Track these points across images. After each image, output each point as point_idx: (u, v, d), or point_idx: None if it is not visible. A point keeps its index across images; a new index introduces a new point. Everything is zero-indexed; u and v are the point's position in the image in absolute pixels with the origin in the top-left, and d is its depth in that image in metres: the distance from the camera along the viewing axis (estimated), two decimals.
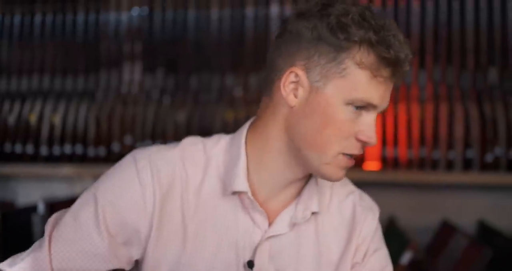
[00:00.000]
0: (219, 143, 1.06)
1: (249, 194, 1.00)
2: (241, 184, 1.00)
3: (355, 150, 0.95)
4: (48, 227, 0.98)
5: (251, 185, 1.02)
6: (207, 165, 1.04)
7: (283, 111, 0.99)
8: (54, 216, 1.01)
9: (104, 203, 0.97)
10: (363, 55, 0.90)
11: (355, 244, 1.07)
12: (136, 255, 1.00)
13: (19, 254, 0.97)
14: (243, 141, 1.04)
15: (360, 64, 0.91)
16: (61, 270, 0.95)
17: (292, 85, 0.96)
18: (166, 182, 1.00)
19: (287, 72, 0.97)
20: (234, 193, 1.01)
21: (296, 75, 0.96)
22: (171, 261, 1.00)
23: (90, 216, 0.96)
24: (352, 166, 0.98)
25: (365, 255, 1.07)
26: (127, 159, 1.03)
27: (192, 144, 1.06)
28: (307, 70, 0.95)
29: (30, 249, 0.97)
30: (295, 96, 0.97)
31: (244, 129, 1.06)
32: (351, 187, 1.14)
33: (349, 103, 0.93)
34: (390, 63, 0.90)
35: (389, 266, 1.09)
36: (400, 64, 0.90)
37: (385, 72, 0.91)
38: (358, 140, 0.94)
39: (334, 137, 0.94)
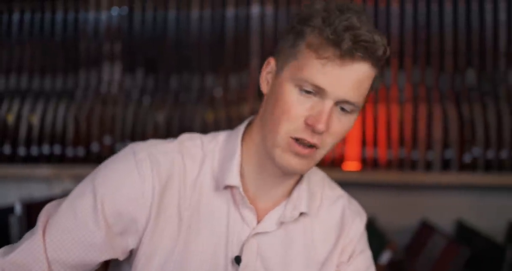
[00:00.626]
0: (215, 139, 1.08)
1: (240, 189, 1.01)
2: (233, 178, 1.02)
3: (304, 134, 0.94)
4: (41, 217, 0.97)
5: (243, 181, 1.04)
6: (203, 160, 1.05)
7: (263, 101, 1.03)
8: (47, 207, 1.00)
9: (102, 193, 0.96)
10: (313, 38, 0.93)
11: (342, 244, 1.09)
12: (132, 245, 1.00)
13: (11, 245, 0.97)
14: (239, 136, 1.06)
15: (308, 46, 0.93)
16: (57, 259, 0.94)
17: (269, 75, 1.01)
18: (165, 174, 1.00)
19: (266, 63, 1.02)
20: (226, 187, 1.03)
21: (270, 64, 1.01)
22: (165, 251, 1.00)
23: (88, 206, 0.96)
24: (306, 154, 0.95)
25: (351, 256, 1.09)
26: (126, 151, 1.03)
27: (190, 139, 1.08)
28: (277, 59, 1.00)
29: (23, 239, 0.96)
30: (268, 84, 1.01)
31: (242, 125, 1.08)
32: (340, 191, 1.16)
33: (297, 84, 0.94)
34: (333, 44, 0.91)
35: (373, 267, 1.12)
36: (340, 43, 0.90)
37: (328, 52, 0.92)
38: (307, 124, 0.94)
39: (282, 118, 0.95)
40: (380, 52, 0.93)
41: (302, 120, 0.94)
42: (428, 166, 2.67)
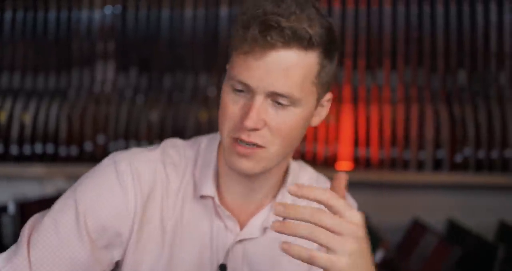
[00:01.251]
0: (196, 145, 1.06)
1: (216, 199, 1.00)
2: (208, 188, 1.00)
3: (240, 133, 0.91)
4: (25, 231, 0.94)
5: (221, 190, 1.02)
6: (185, 169, 1.03)
7: None
8: (32, 219, 0.97)
9: (84, 207, 0.95)
10: (236, 35, 0.91)
11: None
12: (117, 257, 0.99)
13: None
14: (217, 143, 1.04)
15: (234, 44, 0.91)
16: None
17: None
18: (147, 185, 0.98)
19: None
20: (203, 197, 1.01)
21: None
22: (150, 262, 0.99)
23: (70, 221, 0.94)
24: (249, 154, 0.92)
25: None
26: (107, 162, 1.00)
27: (172, 147, 1.05)
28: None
29: (6, 255, 0.93)
30: None
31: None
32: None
33: (230, 84, 0.92)
34: (246, 40, 0.88)
35: None
36: (248, 35, 0.87)
37: (244, 46, 0.88)
38: (241, 123, 0.90)
39: (222, 119, 0.93)
40: (301, 35, 0.86)
41: (238, 119, 0.91)
42: (420, 166, 2.69)
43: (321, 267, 0.75)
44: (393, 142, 2.71)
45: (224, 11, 2.91)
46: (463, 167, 2.66)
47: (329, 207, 0.76)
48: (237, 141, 0.91)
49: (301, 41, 0.87)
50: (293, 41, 0.86)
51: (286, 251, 0.76)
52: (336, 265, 0.74)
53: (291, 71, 0.88)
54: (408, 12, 2.79)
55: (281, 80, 0.88)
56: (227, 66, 0.95)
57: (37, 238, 0.93)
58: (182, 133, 2.76)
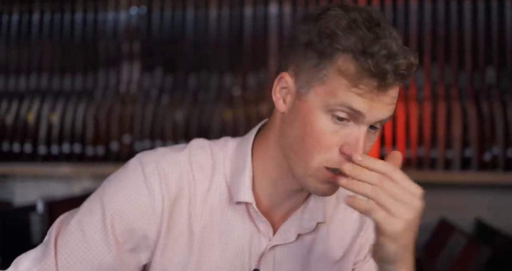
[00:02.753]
0: (225, 148, 1.03)
1: (254, 205, 0.98)
2: (246, 195, 0.98)
3: (341, 164, 0.87)
4: (52, 232, 0.94)
5: (256, 195, 0.99)
6: (214, 171, 1.01)
7: (278, 117, 0.96)
8: (58, 220, 0.97)
9: (111, 211, 0.94)
10: (344, 63, 0.85)
11: (359, 243, 1.05)
12: (144, 260, 0.98)
13: (21, 261, 0.94)
14: (249, 148, 1.01)
15: (340, 72, 0.86)
16: None
17: (284, 90, 0.93)
18: (174, 187, 0.97)
19: (278, 77, 0.94)
20: (239, 203, 0.99)
21: (285, 80, 0.93)
22: (178, 267, 0.98)
23: (97, 225, 0.93)
24: (340, 183, 0.89)
25: (367, 254, 1.04)
26: (133, 164, 0.99)
27: (199, 148, 1.03)
28: (295, 75, 0.91)
29: (35, 255, 0.94)
30: (284, 102, 0.94)
31: (251, 135, 1.02)
32: None
33: (329, 110, 0.88)
34: (371, 75, 0.84)
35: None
36: (383, 77, 0.84)
37: (366, 83, 0.85)
38: (342, 153, 0.87)
39: (314, 148, 0.89)
40: (414, 71, 0.88)
41: (337, 149, 0.88)
42: (448, 165, 2.65)
43: (376, 222, 0.83)
44: (420, 141, 2.67)
45: (248, 11, 2.91)
46: (491, 166, 2.61)
47: (391, 178, 0.83)
48: (334, 170, 0.89)
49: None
50: (409, 78, 0.88)
51: (348, 203, 0.83)
52: (391, 225, 0.82)
53: (395, 100, 0.89)
54: (435, 9, 2.76)
55: (389, 108, 0.88)
56: (299, 83, 0.91)
57: (63, 241, 0.93)
58: (207, 133, 2.77)
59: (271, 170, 0.98)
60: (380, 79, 0.84)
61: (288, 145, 0.94)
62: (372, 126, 0.88)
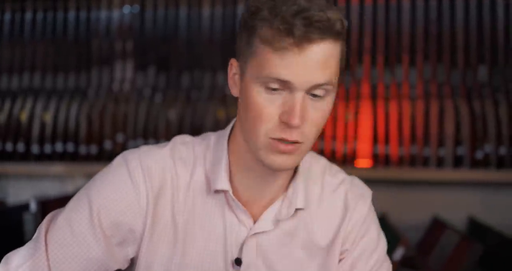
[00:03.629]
0: (205, 140, 1.06)
1: (230, 192, 1.00)
2: (222, 182, 1.00)
3: (282, 133, 0.90)
4: (42, 228, 0.96)
5: (234, 184, 1.02)
6: (195, 164, 1.04)
7: (239, 104, 0.99)
8: (48, 217, 0.99)
9: (98, 205, 0.96)
10: (265, 31, 0.88)
11: (344, 231, 1.06)
12: (132, 254, 1.00)
13: (11, 258, 0.95)
14: (226, 140, 1.04)
15: (262, 41, 0.89)
16: None
17: (236, 77, 0.96)
18: (157, 181, 1.00)
19: (229, 64, 0.98)
20: (217, 191, 1.02)
21: (234, 66, 0.97)
22: (163, 259, 1.00)
23: (84, 219, 0.95)
24: (291, 151, 0.92)
25: (353, 242, 1.06)
26: (118, 160, 1.01)
27: (182, 143, 1.06)
28: (238, 58, 0.95)
29: (26, 251, 0.95)
30: (237, 87, 0.97)
31: (228, 127, 1.05)
32: (342, 176, 1.12)
33: (262, 83, 0.90)
34: (286, 33, 0.86)
35: (379, 249, 1.08)
36: (292, 32, 0.85)
37: (283, 43, 0.86)
38: (282, 122, 0.89)
39: (256, 120, 0.91)
40: (337, 27, 0.88)
41: (277, 118, 0.90)
42: (440, 163, 2.67)
43: None
44: (413, 139, 2.69)
45: (241, 9, 2.91)
46: (484, 163, 2.62)
47: None
48: (280, 140, 0.91)
49: (335, 33, 0.88)
50: (327, 33, 0.87)
51: None
52: None
53: (328, 61, 0.88)
54: (427, 7, 2.76)
55: (321, 71, 0.88)
56: (241, 64, 0.94)
57: (52, 237, 0.95)
58: (200, 132, 2.73)
59: (243, 158, 1.01)
60: (292, 35, 0.85)
61: (243, 125, 0.96)
62: (314, 95, 0.90)
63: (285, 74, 0.87)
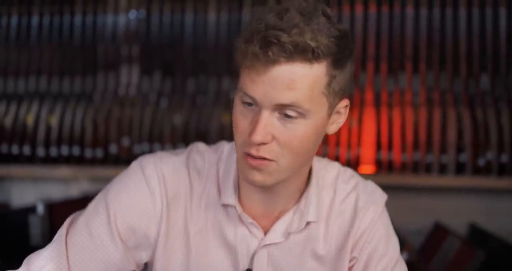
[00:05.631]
0: (219, 151, 1.08)
1: (237, 207, 1.01)
2: (229, 198, 1.01)
3: (249, 148, 0.90)
4: (63, 231, 0.99)
5: (241, 198, 1.03)
6: (208, 174, 1.05)
7: None
8: (69, 219, 1.01)
9: (114, 210, 0.98)
10: (240, 47, 0.88)
11: (353, 238, 1.05)
12: (145, 258, 1.02)
13: (32, 259, 0.97)
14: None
15: (238, 56, 0.89)
16: None
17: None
18: (171, 189, 1.02)
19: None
20: (224, 205, 1.03)
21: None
22: (177, 268, 1.02)
23: (102, 224, 0.98)
24: (259, 166, 0.90)
25: (361, 248, 1.05)
26: (134, 166, 1.04)
27: (197, 152, 1.08)
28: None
29: (48, 254, 0.97)
30: None
31: None
32: (355, 180, 1.10)
33: (240, 96, 0.91)
34: (247, 55, 0.86)
35: (389, 255, 1.05)
36: (249, 50, 0.84)
37: (246, 63, 0.86)
38: (249, 138, 0.89)
39: (235, 132, 0.93)
40: (306, 48, 0.84)
41: (247, 133, 0.89)
42: (443, 169, 2.69)
43: None
44: (416, 146, 2.71)
45: (247, 15, 2.93)
46: (485, 170, 2.65)
47: None
48: (248, 155, 0.91)
49: (305, 54, 0.84)
50: (295, 55, 0.84)
51: None
52: None
53: (296, 83, 0.85)
54: (431, 16, 2.79)
55: (286, 92, 0.86)
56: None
57: (72, 241, 0.97)
58: (205, 137, 2.79)
59: None
60: (251, 54, 0.85)
61: None
62: (286, 115, 0.88)
63: (251, 90, 0.87)
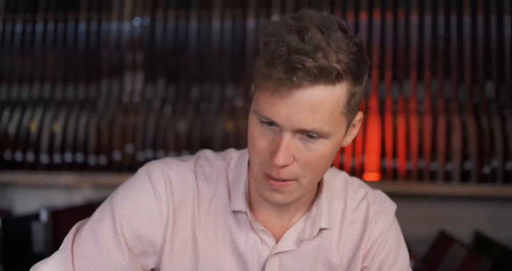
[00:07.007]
0: (227, 159, 1.08)
1: (248, 213, 1.01)
2: (240, 204, 1.02)
3: (271, 169, 0.88)
4: (69, 239, 0.98)
5: (252, 205, 1.03)
6: (217, 181, 1.05)
7: None
8: (75, 227, 1.01)
9: (120, 216, 0.98)
10: (259, 67, 0.86)
11: (364, 247, 1.06)
12: (151, 265, 1.02)
13: (39, 268, 0.97)
14: (246, 159, 1.05)
15: (257, 75, 0.88)
16: None
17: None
18: (178, 194, 1.01)
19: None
20: (235, 211, 1.03)
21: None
22: None
23: (108, 230, 0.98)
24: (280, 187, 0.90)
25: (372, 258, 1.05)
26: (141, 171, 1.04)
27: (204, 159, 1.08)
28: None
29: (54, 262, 0.97)
30: None
31: None
32: (364, 190, 1.11)
33: (257, 115, 0.89)
34: (270, 79, 0.84)
35: (398, 265, 1.06)
36: (273, 76, 0.82)
37: (268, 87, 0.84)
38: (270, 158, 0.88)
39: (252, 151, 0.91)
40: (331, 70, 0.82)
41: (267, 154, 0.89)
42: (447, 177, 2.68)
43: None
44: (420, 153, 2.70)
45: (251, 23, 2.94)
46: (491, 178, 2.63)
47: None
48: (268, 176, 0.90)
49: (329, 77, 0.83)
50: (320, 78, 0.83)
51: None
52: None
53: (318, 107, 0.84)
54: (435, 23, 2.79)
55: (308, 117, 0.84)
56: (252, 91, 0.93)
57: (77, 249, 0.97)
58: (209, 144, 2.79)
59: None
60: (274, 78, 0.82)
61: None
62: (309, 135, 0.87)
63: (272, 114, 0.86)
